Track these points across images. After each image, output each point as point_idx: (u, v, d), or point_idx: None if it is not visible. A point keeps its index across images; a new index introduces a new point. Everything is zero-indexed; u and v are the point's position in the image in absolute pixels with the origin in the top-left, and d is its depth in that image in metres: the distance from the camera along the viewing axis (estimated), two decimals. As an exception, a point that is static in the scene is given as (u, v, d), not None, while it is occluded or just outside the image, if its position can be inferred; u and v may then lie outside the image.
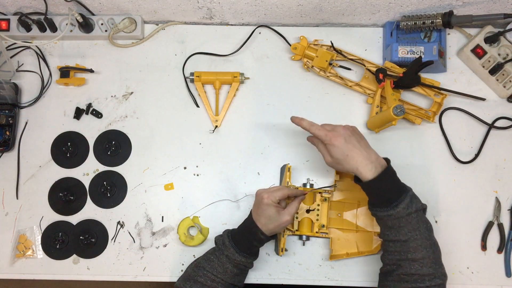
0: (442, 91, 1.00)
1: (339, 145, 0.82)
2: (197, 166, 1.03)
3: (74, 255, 1.00)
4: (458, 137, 1.03)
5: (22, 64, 1.08)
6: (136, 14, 1.07)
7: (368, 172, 0.80)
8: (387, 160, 0.84)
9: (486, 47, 1.02)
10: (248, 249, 0.86)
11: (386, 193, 0.80)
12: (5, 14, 1.08)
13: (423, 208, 0.83)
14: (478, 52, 1.02)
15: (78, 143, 1.04)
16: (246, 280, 0.96)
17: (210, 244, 0.99)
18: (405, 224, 0.79)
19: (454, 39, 1.07)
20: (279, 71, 1.07)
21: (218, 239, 0.89)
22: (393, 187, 0.81)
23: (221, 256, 0.86)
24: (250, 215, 0.89)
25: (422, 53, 0.99)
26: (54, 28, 1.06)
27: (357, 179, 0.84)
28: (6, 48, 1.07)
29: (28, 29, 1.06)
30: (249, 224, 0.87)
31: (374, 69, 1.01)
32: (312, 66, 1.03)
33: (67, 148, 1.03)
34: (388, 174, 0.81)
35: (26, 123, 1.05)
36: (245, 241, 0.86)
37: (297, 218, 0.97)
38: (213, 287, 0.85)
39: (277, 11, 1.03)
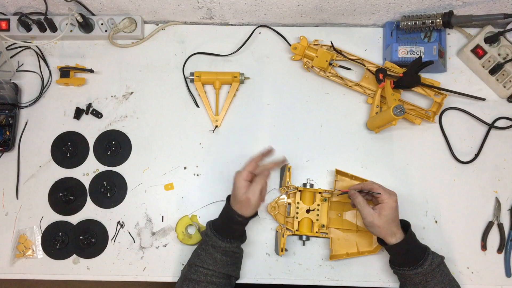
0: (442, 91, 1.00)
1: (396, 207, 0.86)
2: (197, 166, 1.03)
3: (74, 255, 1.00)
4: (458, 137, 1.03)
5: (22, 64, 1.08)
6: (136, 14, 1.07)
7: (396, 238, 0.85)
8: (406, 222, 0.90)
9: (486, 47, 1.02)
10: (229, 234, 0.86)
11: (413, 253, 0.86)
12: (5, 14, 1.08)
13: (443, 262, 0.88)
14: (478, 52, 1.02)
15: (78, 143, 1.04)
16: (246, 280, 0.96)
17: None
18: (431, 279, 0.84)
19: (454, 39, 1.07)
20: (279, 71, 1.07)
21: (202, 232, 0.90)
22: (417, 246, 0.87)
23: (207, 247, 0.86)
24: (227, 201, 0.89)
25: (422, 53, 0.99)
26: (54, 28, 1.06)
27: (380, 241, 0.89)
28: (6, 48, 1.07)
29: (28, 29, 1.06)
30: (225, 209, 0.87)
31: (374, 69, 1.01)
32: (312, 66, 1.03)
33: (67, 148, 1.03)
34: (411, 235, 0.87)
35: (26, 123, 1.05)
36: (225, 226, 0.86)
37: (297, 218, 0.97)
38: (207, 281, 0.85)
39: (277, 11, 1.03)
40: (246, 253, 0.94)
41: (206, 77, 1.04)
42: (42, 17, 1.04)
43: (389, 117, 0.91)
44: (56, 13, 1.08)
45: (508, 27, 1.01)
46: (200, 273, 0.85)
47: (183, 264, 0.98)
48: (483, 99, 1.03)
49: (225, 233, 0.86)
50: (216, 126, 1.04)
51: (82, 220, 1.01)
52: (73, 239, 1.00)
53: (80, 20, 1.02)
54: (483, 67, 1.02)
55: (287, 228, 0.96)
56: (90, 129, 1.05)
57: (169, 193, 1.02)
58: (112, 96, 1.07)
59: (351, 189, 0.91)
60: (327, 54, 1.01)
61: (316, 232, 0.97)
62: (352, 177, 0.99)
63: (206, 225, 0.90)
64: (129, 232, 1.01)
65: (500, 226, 0.98)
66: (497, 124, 1.03)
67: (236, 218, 0.84)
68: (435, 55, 0.99)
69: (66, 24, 1.06)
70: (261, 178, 0.84)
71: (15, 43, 1.06)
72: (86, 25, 1.04)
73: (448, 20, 0.97)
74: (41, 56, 1.08)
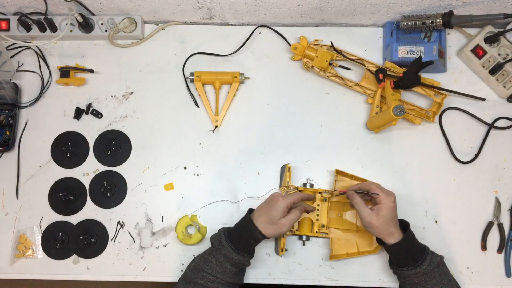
0: (442, 91, 1.00)
1: (394, 207, 0.86)
2: (197, 166, 1.03)
3: (74, 255, 1.00)
4: (458, 137, 1.03)
5: (22, 64, 1.08)
6: (136, 14, 1.07)
7: (395, 238, 0.86)
8: (405, 222, 0.90)
9: (486, 47, 1.02)
10: (245, 248, 0.86)
11: (412, 253, 0.86)
12: (5, 14, 1.08)
13: (442, 261, 0.87)
14: (478, 52, 1.02)
15: (78, 143, 1.04)
16: (246, 280, 0.96)
17: (208, 243, 0.98)
18: (430, 279, 0.84)
19: (454, 39, 1.07)
20: (279, 71, 1.07)
21: (213, 239, 0.89)
22: (416, 246, 0.87)
23: (218, 256, 0.86)
24: (248, 214, 0.89)
25: (422, 53, 0.99)
26: (54, 28, 1.06)
27: (379, 241, 0.89)
28: (6, 48, 1.07)
29: (28, 29, 1.06)
30: (246, 223, 0.87)
31: (374, 69, 1.01)
32: (312, 66, 1.03)
33: (67, 148, 1.03)
34: (410, 235, 0.87)
35: (26, 123, 1.05)
36: (242, 239, 0.86)
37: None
38: (213, 287, 0.85)
39: (277, 11, 1.03)
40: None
41: (206, 77, 1.04)
42: (42, 17, 1.04)
43: (389, 117, 0.91)
44: (56, 13, 1.08)
45: (508, 27, 1.01)
46: (207, 279, 0.85)
47: (183, 264, 0.98)
48: (483, 99, 1.03)
49: (240, 245, 0.86)
50: (216, 126, 1.04)
51: (82, 220, 1.01)
52: (73, 239, 1.00)
53: (80, 20, 1.02)
54: (483, 67, 1.02)
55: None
56: (90, 129, 1.05)
57: (169, 193, 1.02)
58: (112, 96, 1.07)
59: (349, 190, 0.92)
60: (327, 54, 1.01)
61: (316, 232, 0.97)
62: (352, 177, 0.99)
63: (220, 233, 0.89)
64: (129, 232, 1.01)
65: (500, 226, 0.98)
66: (497, 124, 1.03)
67: (256, 235, 0.85)
68: (435, 55, 0.99)
69: (66, 24, 1.06)
70: (299, 211, 0.89)
71: (15, 43, 1.06)
72: (86, 25, 1.04)
73: (448, 20, 0.97)
74: (41, 56, 1.08)
